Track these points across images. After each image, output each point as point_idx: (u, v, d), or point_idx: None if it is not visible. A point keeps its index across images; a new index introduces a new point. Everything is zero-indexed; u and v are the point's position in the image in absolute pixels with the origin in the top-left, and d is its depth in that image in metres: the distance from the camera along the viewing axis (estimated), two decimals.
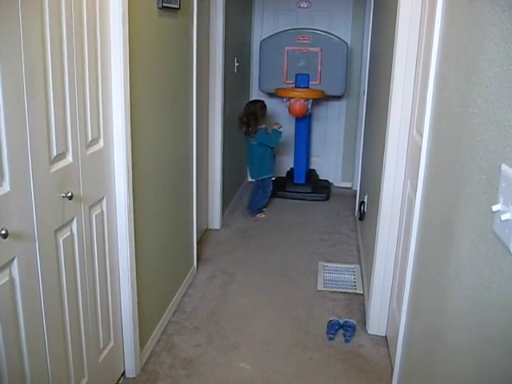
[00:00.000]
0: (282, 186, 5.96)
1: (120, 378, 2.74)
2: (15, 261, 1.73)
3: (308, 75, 5.65)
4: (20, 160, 1.71)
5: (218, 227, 4.91)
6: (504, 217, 1.10)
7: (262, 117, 5.09)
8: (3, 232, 1.60)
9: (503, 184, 1.15)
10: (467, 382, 1.37)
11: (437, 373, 1.71)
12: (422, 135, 2.24)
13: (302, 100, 5.34)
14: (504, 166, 1.16)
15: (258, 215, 5.29)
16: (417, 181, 2.21)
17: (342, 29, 6.01)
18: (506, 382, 1.11)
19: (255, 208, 5.33)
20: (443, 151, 1.83)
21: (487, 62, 1.36)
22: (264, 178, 5.28)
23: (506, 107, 1.20)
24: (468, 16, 1.61)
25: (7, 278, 1.69)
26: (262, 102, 5.23)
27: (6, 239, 1.63)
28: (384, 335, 3.22)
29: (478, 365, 1.29)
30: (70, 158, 2.05)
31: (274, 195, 5.81)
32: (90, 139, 2.20)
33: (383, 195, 3.01)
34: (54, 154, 1.92)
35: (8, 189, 1.66)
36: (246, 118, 5.04)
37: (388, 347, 3.09)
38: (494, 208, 1.16)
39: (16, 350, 1.77)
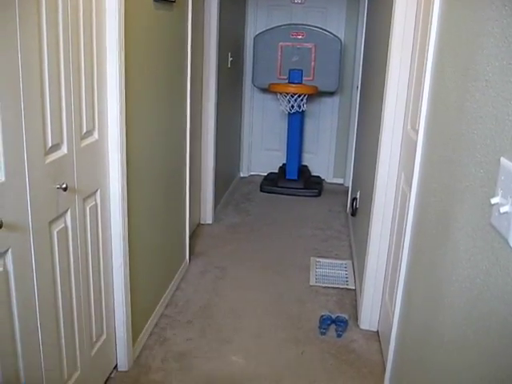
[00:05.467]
0: (274, 182, 5.97)
1: (112, 371, 2.73)
2: (9, 252, 1.71)
3: (301, 71, 5.65)
4: (15, 150, 1.70)
5: (210, 222, 4.90)
6: (503, 209, 1.11)
7: None
8: None
9: (502, 177, 1.16)
10: (464, 375, 1.38)
11: (431, 366, 1.72)
12: (416, 130, 2.24)
13: None
14: (503, 160, 1.17)
15: None
16: (411, 175, 2.21)
17: (335, 25, 6.02)
18: (506, 373, 1.12)
19: None
20: (439, 145, 1.83)
21: (486, 57, 1.37)
22: None
23: (505, 101, 1.20)
24: (466, 10, 1.61)
25: (1, 268, 1.68)
26: None
27: (1, 230, 1.62)
28: (376, 330, 3.24)
29: (475, 357, 1.30)
30: (64, 150, 2.03)
31: (266, 191, 5.85)
32: (84, 131, 2.19)
33: (376, 190, 3.02)
34: (49, 144, 1.91)
35: (3, 179, 1.64)
36: None
37: (380, 342, 3.10)
38: (493, 201, 1.17)
39: (9, 342, 1.76)
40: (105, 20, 2.28)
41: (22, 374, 1.84)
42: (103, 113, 2.36)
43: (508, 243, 1.10)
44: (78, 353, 2.30)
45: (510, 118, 1.16)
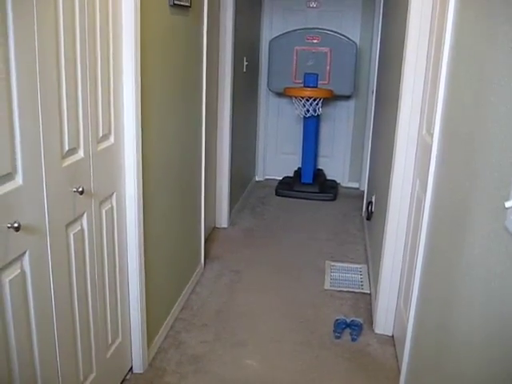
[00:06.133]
0: (290, 186, 5.98)
1: (127, 374, 2.74)
2: (27, 254, 1.74)
3: (317, 75, 5.65)
4: (33, 154, 1.73)
5: (225, 226, 4.92)
6: None
7: None
8: (16, 225, 1.61)
9: None
10: (478, 377, 1.37)
11: (446, 368, 1.71)
12: (432, 134, 2.24)
13: None
14: None
15: None
16: (427, 179, 2.21)
17: (351, 29, 6.01)
18: None
19: None
20: (454, 149, 1.83)
21: (501, 59, 1.36)
22: None
23: None
24: (481, 13, 1.61)
25: (19, 270, 1.70)
26: None
27: (19, 232, 1.64)
28: (391, 334, 3.22)
29: (490, 359, 1.29)
30: (81, 153, 2.06)
31: (281, 194, 5.86)
32: (100, 135, 2.21)
33: (392, 194, 3.01)
34: (66, 148, 1.93)
35: (21, 182, 1.67)
36: None
37: (395, 346, 3.09)
38: (507, 204, 1.16)
39: (26, 343, 1.78)
40: (121, 25, 2.31)
41: (38, 374, 1.86)
42: (119, 117, 2.38)
43: None
44: (93, 355, 2.32)
45: None
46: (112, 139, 2.34)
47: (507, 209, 1.19)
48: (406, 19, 2.86)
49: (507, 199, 1.20)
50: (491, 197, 1.35)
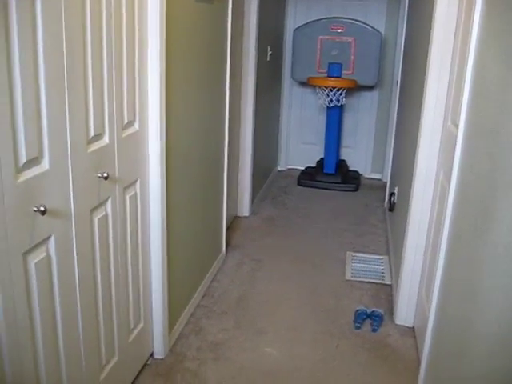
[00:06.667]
0: (312, 176, 5.97)
1: (148, 359, 2.78)
2: (52, 238, 1.76)
3: (341, 64, 5.62)
4: (59, 139, 1.75)
5: (247, 214, 4.93)
6: None
7: None
8: (42, 209, 1.63)
9: None
10: (501, 369, 1.37)
11: (468, 360, 1.71)
12: (457, 125, 2.22)
13: None
14: None
15: None
16: (451, 170, 2.19)
17: (376, 18, 5.95)
18: None
19: None
20: (480, 139, 1.81)
21: None
22: None
23: None
24: (509, 1, 1.59)
25: (44, 253, 1.73)
26: None
27: (45, 216, 1.67)
28: (411, 326, 3.21)
29: None
30: (106, 139, 2.08)
31: (303, 184, 5.85)
32: (125, 122, 2.23)
33: (415, 185, 3.00)
34: (92, 134, 1.95)
35: (47, 166, 1.69)
36: None
37: (415, 338, 3.08)
38: None
39: (51, 326, 1.81)
40: (147, 10, 2.32)
41: (62, 356, 1.90)
42: (144, 104, 2.40)
43: None
44: (116, 339, 2.36)
45: None
46: (137, 126, 2.35)
47: None
48: (432, 7, 2.82)
49: None
50: None
